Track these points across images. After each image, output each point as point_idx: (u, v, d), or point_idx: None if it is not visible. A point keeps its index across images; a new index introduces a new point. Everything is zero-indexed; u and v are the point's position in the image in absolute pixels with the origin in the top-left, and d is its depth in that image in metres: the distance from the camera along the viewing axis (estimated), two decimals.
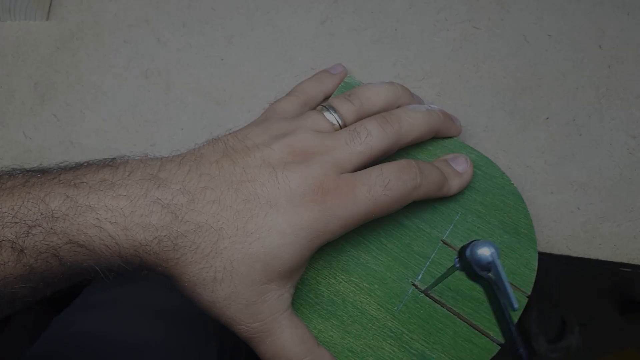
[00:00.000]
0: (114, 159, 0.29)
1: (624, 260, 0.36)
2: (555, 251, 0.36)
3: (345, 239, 0.33)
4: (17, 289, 0.27)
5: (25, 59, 0.43)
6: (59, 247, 0.27)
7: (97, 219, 0.27)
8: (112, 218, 0.27)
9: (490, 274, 0.26)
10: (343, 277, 0.33)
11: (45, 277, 0.27)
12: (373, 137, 0.31)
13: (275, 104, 0.36)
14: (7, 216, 0.26)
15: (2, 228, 0.26)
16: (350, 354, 0.32)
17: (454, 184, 0.34)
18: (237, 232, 0.28)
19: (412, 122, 0.33)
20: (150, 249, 0.27)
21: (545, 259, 0.37)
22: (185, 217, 0.28)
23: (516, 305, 0.24)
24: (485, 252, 0.26)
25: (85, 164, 0.29)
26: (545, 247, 0.36)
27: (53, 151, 0.40)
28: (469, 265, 0.26)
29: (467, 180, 0.34)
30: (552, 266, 0.34)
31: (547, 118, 0.39)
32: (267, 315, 0.29)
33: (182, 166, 0.29)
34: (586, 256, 0.36)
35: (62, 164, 0.30)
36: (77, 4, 0.44)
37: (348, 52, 0.42)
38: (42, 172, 0.29)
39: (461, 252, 0.27)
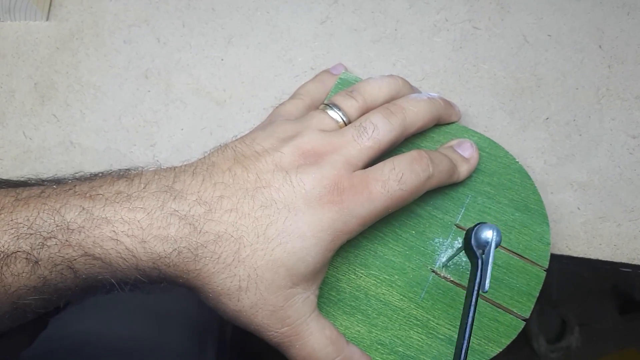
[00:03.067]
0: (128, 170, 0.29)
1: (624, 260, 0.36)
2: (556, 251, 0.36)
3: (361, 233, 0.33)
4: (30, 300, 0.27)
5: (25, 59, 0.43)
6: (74, 260, 0.27)
7: (114, 231, 0.27)
8: (129, 231, 0.27)
9: (483, 255, 0.28)
10: (363, 271, 0.33)
11: (60, 289, 0.27)
12: (380, 130, 0.31)
13: (280, 107, 0.36)
14: (23, 227, 0.26)
15: (17, 239, 0.26)
16: (379, 347, 0.32)
17: (463, 170, 0.34)
18: (258, 239, 0.28)
19: (415, 111, 0.33)
20: (170, 261, 0.27)
21: None
22: (204, 228, 0.28)
23: (486, 289, 0.26)
24: (487, 234, 0.27)
25: (100, 175, 0.29)
26: None
27: (53, 151, 0.40)
28: (468, 240, 0.28)
29: (475, 164, 0.35)
30: (552, 266, 0.34)
31: (547, 118, 0.39)
32: (294, 320, 0.29)
33: (196, 176, 0.29)
34: (586, 256, 0.36)
35: (76, 175, 0.30)
36: (77, 4, 0.44)
37: (348, 52, 0.42)
38: (57, 183, 0.29)
39: (468, 230, 0.29)
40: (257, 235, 0.28)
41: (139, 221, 0.27)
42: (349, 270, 0.33)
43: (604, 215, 0.37)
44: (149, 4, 0.44)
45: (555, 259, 0.37)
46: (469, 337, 0.26)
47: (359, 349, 0.31)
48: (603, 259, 0.36)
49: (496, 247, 0.27)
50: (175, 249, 0.27)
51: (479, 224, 0.28)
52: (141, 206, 0.27)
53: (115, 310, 0.49)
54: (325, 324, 0.30)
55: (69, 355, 0.45)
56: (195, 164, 0.30)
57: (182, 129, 0.41)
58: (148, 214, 0.27)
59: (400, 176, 0.30)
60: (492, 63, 0.41)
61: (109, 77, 0.42)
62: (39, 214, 0.26)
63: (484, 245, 0.27)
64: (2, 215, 0.26)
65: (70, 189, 0.28)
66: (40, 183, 0.29)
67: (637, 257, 0.36)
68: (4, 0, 0.42)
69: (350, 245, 0.33)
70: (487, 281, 0.26)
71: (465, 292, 0.33)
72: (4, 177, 0.40)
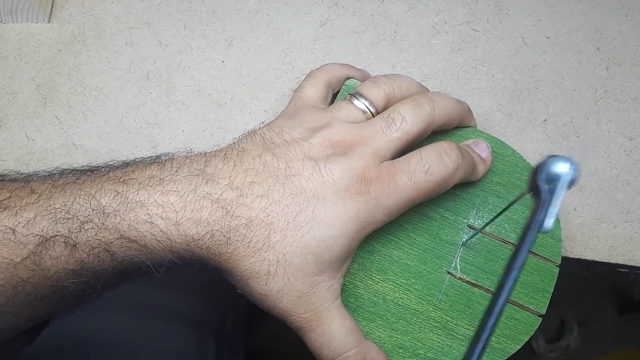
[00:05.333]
0: (159, 156, 0.30)
1: (620, 261, 0.36)
2: None
3: (375, 238, 0.34)
4: (68, 283, 0.28)
5: (28, 61, 0.43)
6: (111, 243, 0.27)
7: (148, 214, 0.27)
8: (162, 214, 0.28)
9: (548, 191, 0.22)
10: (379, 277, 0.34)
11: (97, 272, 0.28)
12: (408, 122, 0.32)
13: (300, 91, 0.35)
14: (60, 212, 0.27)
15: (56, 224, 0.27)
16: (400, 351, 0.32)
17: (480, 170, 0.34)
18: (288, 225, 0.29)
19: (445, 105, 0.33)
20: (203, 243, 0.28)
21: None
22: (236, 212, 0.28)
23: (548, 228, 0.22)
24: (563, 167, 0.22)
25: (132, 162, 0.30)
26: None
27: (55, 153, 0.41)
28: (535, 173, 0.23)
29: (489, 165, 0.35)
30: None
31: (545, 120, 0.40)
32: (318, 306, 0.30)
33: (227, 161, 0.30)
34: (583, 257, 0.37)
35: (109, 163, 0.30)
36: (78, 6, 0.44)
37: (348, 55, 0.42)
38: (92, 171, 0.29)
39: (539, 163, 0.23)
40: (287, 222, 0.29)
41: (172, 204, 0.28)
42: (366, 276, 0.34)
43: (601, 217, 0.37)
44: (151, 7, 0.44)
45: None
46: (510, 291, 0.22)
47: (376, 346, 0.32)
48: (599, 260, 0.37)
49: (570, 187, 0.22)
50: (208, 231, 0.28)
51: (551, 156, 0.23)
52: (174, 189, 0.28)
53: (114, 308, 0.50)
54: (347, 314, 0.31)
55: (70, 352, 0.46)
56: (225, 149, 0.31)
57: (183, 131, 0.41)
58: (181, 197, 0.28)
59: (428, 167, 0.30)
60: (491, 65, 0.41)
61: (110, 79, 0.42)
62: (75, 199, 0.27)
63: (553, 178, 0.22)
64: (41, 202, 0.27)
65: (104, 175, 0.29)
66: (75, 171, 0.30)
67: (633, 258, 0.36)
68: (6, 2, 0.42)
69: (365, 252, 0.34)
70: (551, 220, 0.22)
71: (481, 291, 0.33)
72: None
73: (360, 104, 0.33)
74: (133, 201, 0.28)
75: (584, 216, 0.37)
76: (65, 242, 0.27)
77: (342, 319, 0.30)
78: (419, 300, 0.33)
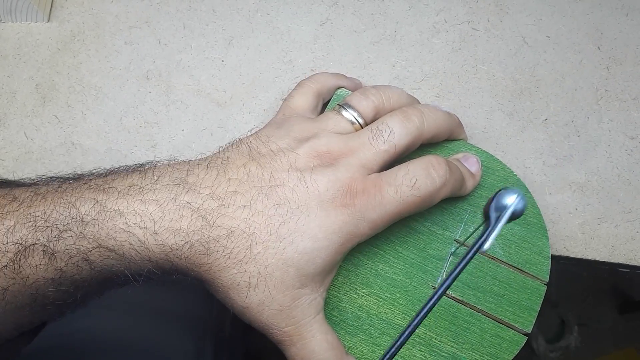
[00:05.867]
0: (142, 164, 0.30)
1: (622, 261, 0.36)
2: (554, 252, 0.37)
3: (361, 251, 0.33)
4: (48, 292, 0.27)
5: (27, 60, 0.43)
6: (89, 252, 0.27)
7: (126, 223, 0.27)
8: (140, 223, 0.27)
9: (497, 218, 0.26)
10: (364, 290, 0.33)
11: (76, 280, 0.28)
12: (396, 134, 0.31)
13: (289, 101, 0.35)
14: (40, 220, 0.27)
15: (35, 232, 0.26)
16: None
17: (469, 184, 0.34)
18: (270, 237, 0.28)
19: (434, 118, 0.33)
20: (182, 253, 0.28)
21: None
22: (216, 222, 0.28)
23: (485, 248, 0.25)
24: (510, 199, 0.26)
25: (116, 170, 0.30)
26: None
27: (54, 152, 0.41)
28: (489, 203, 0.26)
29: (479, 180, 0.35)
30: (551, 266, 0.35)
31: (546, 119, 0.40)
32: (299, 320, 0.29)
33: (210, 170, 0.29)
34: (584, 257, 0.37)
35: (94, 171, 0.30)
36: (78, 5, 0.44)
37: (348, 54, 0.42)
38: (75, 179, 0.29)
39: (496, 192, 0.27)
40: (269, 234, 0.28)
41: (150, 213, 0.27)
42: (351, 289, 0.33)
43: (602, 216, 0.37)
44: (150, 6, 0.44)
45: (554, 259, 0.37)
46: (443, 293, 0.25)
47: None
48: (601, 260, 0.37)
49: (517, 216, 0.25)
50: (187, 241, 0.27)
51: (504, 188, 0.26)
52: (153, 198, 0.28)
53: (113, 309, 0.49)
54: (328, 329, 0.30)
55: (67, 353, 0.46)
56: (209, 158, 0.30)
57: (182, 130, 0.41)
58: (160, 206, 0.27)
59: (414, 182, 0.30)
60: (491, 64, 0.41)
61: (110, 78, 0.42)
62: (55, 207, 0.27)
63: (500, 208, 0.25)
64: (22, 209, 0.27)
65: (85, 183, 0.28)
66: (60, 179, 0.29)
67: (634, 258, 0.36)
68: (5, 1, 0.42)
69: (351, 265, 0.33)
70: (490, 243, 0.25)
71: (467, 308, 0.33)
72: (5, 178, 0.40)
73: (348, 114, 0.33)
74: (111, 210, 0.27)
75: (585, 216, 0.37)
76: (44, 250, 0.26)
77: (324, 333, 0.30)
78: (403, 315, 0.33)
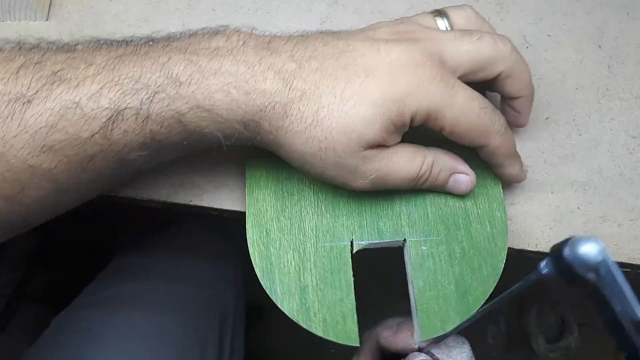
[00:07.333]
0: (223, 27, 0.30)
1: (625, 260, 0.36)
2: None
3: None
4: (136, 156, 0.28)
5: None
6: (184, 113, 0.27)
7: (223, 82, 0.27)
8: (235, 83, 0.27)
9: (596, 277, 0.21)
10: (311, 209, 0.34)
11: (164, 145, 0.28)
12: (484, 42, 0.31)
13: None
14: (128, 83, 0.26)
15: (124, 95, 0.26)
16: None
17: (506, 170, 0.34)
18: (335, 99, 0.29)
19: (521, 70, 0.32)
20: (266, 114, 0.28)
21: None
22: (292, 84, 0.28)
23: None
24: (591, 249, 0.21)
25: (192, 33, 0.30)
26: (545, 246, 0.37)
27: None
28: (567, 267, 0.21)
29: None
30: (551, 267, 0.35)
31: (547, 118, 0.39)
32: (377, 169, 0.30)
33: (290, 40, 0.30)
34: None
35: (154, 35, 0.30)
36: (77, 4, 0.44)
37: None
38: (151, 42, 0.29)
39: (555, 252, 0.22)
40: (334, 96, 0.29)
41: (242, 74, 0.28)
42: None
43: (604, 215, 0.37)
44: (149, 4, 0.44)
45: (553, 260, 0.37)
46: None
47: (441, 150, 0.33)
48: None
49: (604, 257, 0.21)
50: (271, 102, 0.28)
51: (567, 240, 0.21)
52: (243, 59, 0.28)
53: (115, 309, 0.49)
54: (398, 147, 0.31)
55: (70, 354, 0.45)
56: (289, 34, 0.31)
57: None
58: (249, 67, 0.28)
59: (486, 106, 0.31)
60: None
61: None
62: (142, 69, 0.27)
63: (595, 266, 0.20)
64: (104, 73, 0.26)
65: (167, 45, 0.28)
66: (121, 42, 0.29)
67: (637, 257, 0.36)
68: (3, 0, 0.42)
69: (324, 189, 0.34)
70: (636, 305, 0.20)
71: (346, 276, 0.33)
72: None
73: (442, 22, 0.33)
74: (207, 69, 0.27)
75: (588, 215, 0.37)
76: (136, 114, 0.26)
77: (402, 153, 0.31)
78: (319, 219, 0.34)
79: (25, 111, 0.25)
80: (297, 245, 0.33)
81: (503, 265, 0.33)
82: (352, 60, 0.29)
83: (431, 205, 0.34)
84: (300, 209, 0.34)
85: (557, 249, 0.22)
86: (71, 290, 0.53)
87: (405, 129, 0.30)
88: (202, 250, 0.58)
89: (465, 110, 0.30)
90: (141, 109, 0.26)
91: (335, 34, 0.31)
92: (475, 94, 0.30)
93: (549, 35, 0.41)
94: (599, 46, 0.41)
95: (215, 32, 0.29)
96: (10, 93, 0.25)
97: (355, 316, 0.32)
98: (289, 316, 0.32)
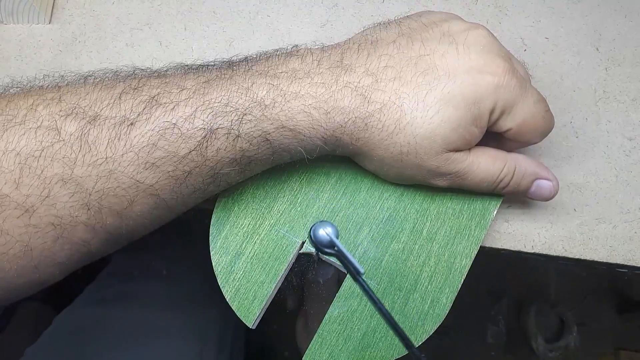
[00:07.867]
0: (297, 47, 0.32)
1: (620, 261, 0.36)
2: (552, 252, 0.37)
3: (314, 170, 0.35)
4: (228, 170, 0.30)
5: (29, 62, 0.43)
6: (270, 132, 0.29)
7: (304, 104, 0.29)
8: (315, 104, 0.29)
9: (335, 249, 0.31)
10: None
11: (252, 160, 0.30)
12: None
13: None
14: (218, 106, 0.28)
15: (215, 117, 0.28)
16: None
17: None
18: (417, 105, 0.30)
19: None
20: (345, 129, 0.30)
21: (542, 259, 0.37)
22: (371, 98, 0.29)
23: (362, 271, 0.29)
24: (324, 232, 0.32)
25: (268, 55, 0.31)
26: (541, 248, 0.37)
27: None
28: (317, 247, 0.32)
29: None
30: (550, 266, 0.35)
31: None
32: (457, 168, 0.31)
33: (361, 52, 0.31)
34: (582, 257, 0.37)
35: (233, 59, 0.32)
36: (79, 7, 0.44)
37: None
38: (233, 66, 0.30)
39: (309, 236, 0.32)
40: (416, 102, 0.30)
41: (321, 95, 0.29)
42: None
43: (600, 217, 0.38)
44: (151, 7, 0.44)
45: (553, 259, 0.37)
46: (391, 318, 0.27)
47: (523, 155, 0.33)
48: (599, 260, 0.37)
49: (336, 237, 0.31)
50: (350, 118, 0.30)
51: (311, 227, 0.31)
52: (321, 81, 0.30)
53: (118, 308, 0.50)
54: (479, 150, 0.32)
55: (72, 352, 0.46)
56: (357, 40, 0.32)
57: None
58: (327, 88, 0.29)
59: (549, 112, 0.32)
60: None
61: None
62: (230, 93, 0.29)
63: (330, 244, 0.31)
64: (196, 97, 0.28)
65: (248, 70, 0.30)
66: (200, 68, 0.31)
67: (632, 258, 0.37)
68: (7, 3, 0.42)
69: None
70: (358, 266, 0.29)
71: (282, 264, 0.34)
72: None
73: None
74: (289, 93, 0.29)
75: (584, 216, 0.38)
76: (227, 133, 0.28)
77: (481, 156, 0.32)
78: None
79: (129, 132, 0.28)
80: (258, 217, 0.34)
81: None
82: (431, 64, 0.30)
83: (391, 254, 0.34)
84: (280, 190, 0.35)
85: (309, 234, 0.33)
86: (72, 289, 0.54)
87: (485, 129, 0.31)
88: (202, 249, 0.58)
89: (534, 111, 0.31)
90: (232, 129, 0.28)
91: (408, 33, 0.31)
92: (542, 96, 0.32)
93: (546, 38, 0.42)
94: (597, 49, 0.41)
95: (289, 54, 0.31)
96: (115, 117, 0.28)
97: (264, 304, 0.33)
98: (213, 267, 0.34)
